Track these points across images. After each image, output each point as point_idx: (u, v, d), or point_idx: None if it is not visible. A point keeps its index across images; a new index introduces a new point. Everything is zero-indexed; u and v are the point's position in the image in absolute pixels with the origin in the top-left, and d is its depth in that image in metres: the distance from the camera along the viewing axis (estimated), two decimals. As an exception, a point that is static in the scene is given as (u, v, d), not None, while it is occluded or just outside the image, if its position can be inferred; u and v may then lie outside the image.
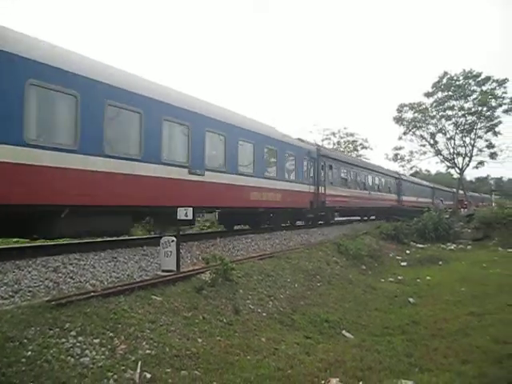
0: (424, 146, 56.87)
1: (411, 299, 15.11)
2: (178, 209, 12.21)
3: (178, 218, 12.20)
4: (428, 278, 19.23)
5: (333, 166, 30.98)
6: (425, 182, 65.15)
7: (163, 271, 11.85)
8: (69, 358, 6.62)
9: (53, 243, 13.51)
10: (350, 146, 67.38)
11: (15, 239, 16.96)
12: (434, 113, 53.64)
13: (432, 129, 54.92)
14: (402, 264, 23.60)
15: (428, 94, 53.64)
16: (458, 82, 50.96)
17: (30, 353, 6.38)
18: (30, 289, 9.13)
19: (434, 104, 53.39)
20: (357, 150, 66.98)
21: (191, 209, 12.10)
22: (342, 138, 67.29)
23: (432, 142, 55.52)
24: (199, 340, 8.55)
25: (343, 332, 11.23)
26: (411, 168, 63.69)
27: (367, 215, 40.91)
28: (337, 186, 31.46)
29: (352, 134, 67.54)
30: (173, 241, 11.91)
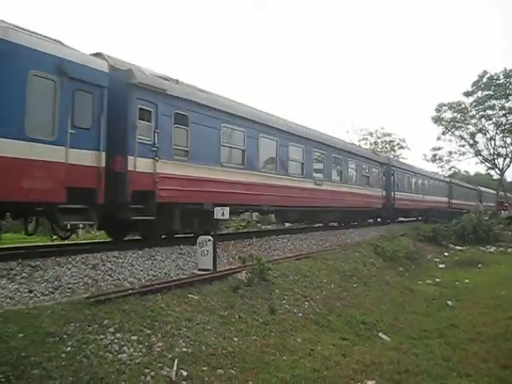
0: (463, 146, 56.11)
1: (449, 302, 14.83)
2: (215, 208, 12.30)
3: (215, 217, 12.26)
4: (467, 280, 18.84)
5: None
6: (471, 186, 64.34)
7: (200, 270, 11.93)
8: (107, 354, 6.71)
9: (91, 241, 13.74)
10: (387, 146, 66.44)
11: (55, 237, 17.35)
12: (474, 112, 52.74)
13: (472, 129, 54.08)
14: (440, 266, 23.20)
15: (467, 94, 52.71)
16: (498, 81, 49.87)
17: (69, 348, 6.49)
18: (70, 285, 9.31)
19: (474, 103, 52.45)
20: (394, 151, 66.01)
21: (228, 208, 12.17)
22: (379, 138, 66.47)
23: (471, 142, 54.65)
24: (235, 339, 8.57)
25: (380, 334, 11.10)
26: (450, 169, 62.84)
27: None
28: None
29: (389, 134, 66.59)
30: (209, 240, 11.97)
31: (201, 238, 12.16)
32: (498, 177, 59.06)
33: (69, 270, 9.95)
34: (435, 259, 24.88)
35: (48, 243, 15.95)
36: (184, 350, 7.53)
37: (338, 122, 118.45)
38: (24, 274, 9.22)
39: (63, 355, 6.27)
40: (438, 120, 55.55)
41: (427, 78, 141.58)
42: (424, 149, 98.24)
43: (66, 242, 13.63)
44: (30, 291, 8.65)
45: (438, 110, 55.43)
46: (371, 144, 64.80)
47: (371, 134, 65.60)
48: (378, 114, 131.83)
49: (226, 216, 12.23)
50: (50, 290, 8.93)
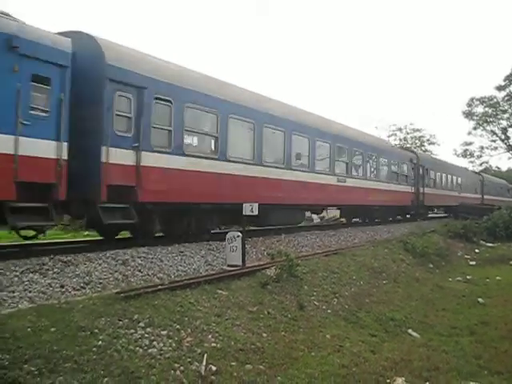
0: (495, 141, 55.20)
1: (480, 299, 14.58)
2: (244, 204, 12.31)
3: (244, 213, 12.28)
4: (498, 278, 18.49)
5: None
6: (504, 182, 62.99)
7: (229, 266, 11.96)
8: (137, 348, 6.78)
9: (121, 237, 13.88)
10: (417, 141, 65.69)
11: (86, 233, 17.61)
12: (506, 107, 51.78)
13: (504, 123, 53.15)
14: (471, 263, 22.81)
15: (500, 88, 51.81)
16: (532, 75, 48.91)
17: (100, 342, 6.57)
18: (101, 281, 9.43)
19: (506, 98, 51.50)
20: (424, 146, 65.22)
21: (257, 204, 12.18)
22: (408, 133, 65.80)
23: (503, 137, 53.67)
24: (264, 335, 8.57)
25: (409, 331, 10.98)
26: (481, 164, 61.90)
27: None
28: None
29: (419, 130, 65.87)
30: (238, 236, 12.00)
31: (230, 234, 12.19)
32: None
33: (99, 265, 10.09)
34: (466, 256, 24.49)
35: (79, 239, 16.21)
36: (213, 345, 7.56)
37: (367, 117, 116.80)
38: (56, 270, 9.38)
39: (94, 349, 6.35)
40: (469, 115, 54.83)
41: (459, 72, 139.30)
42: (455, 144, 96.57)
43: (97, 238, 13.81)
44: (62, 286, 8.79)
45: (469, 105, 54.72)
46: (400, 140, 64.22)
47: (400, 130, 65.01)
48: (408, 110, 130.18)
49: (255, 212, 12.24)
50: (82, 285, 9.06)
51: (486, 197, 49.70)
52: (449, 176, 40.39)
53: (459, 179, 43.08)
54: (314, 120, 21.11)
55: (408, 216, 33.48)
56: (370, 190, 25.47)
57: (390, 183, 28.42)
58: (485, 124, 54.49)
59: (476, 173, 49.49)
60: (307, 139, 19.65)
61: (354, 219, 28.50)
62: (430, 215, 38.88)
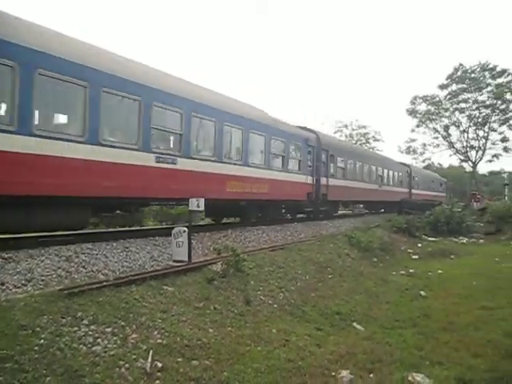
0: (437, 138, 56.85)
1: (422, 292, 15.03)
2: (190, 199, 12.25)
3: (190, 208, 12.25)
4: (439, 271, 19.11)
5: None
6: (436, 175, 61.61)
7: (175, 261, 11.89)
8: (81, 346, 6.68)
9: (66, 233, 13.58)
10: (362, 138, 66.85)
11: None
12: (448, 105, 53.45)
13: (445, 121, 54.84)
14: (414, 257, 23.48)
15: (442, 87, 53.42)
16: (473, 75, 50.51)
17: (42, 341, 6.44)
18: (43, 278, 9.19)
19: (448, 96, 53.19)
20: (369, 143, 66.51)
21: (203, 199, 12.15)
22: (354, 130, 66.92)
23: (445, 134, 55.30)
24: (210, 330, 8.59)
25: (354, 324, 11.22)
26: (423, 161, 63.58)
27: (375, 209, 39.86)
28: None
29: (364, 127, 67.06)
30: (184, 231, 11.94)
31: (176, 229, 12.12)
32: (471, 169, 59.90)
33: (42, 262, 9.82)
34: (409, 250, 25.17)
35: (20, 236, 15.73)
36: (159, 341, 7.53)
37: (314, 112, 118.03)
38: (-4, 266, 9.09)
39: (36, 348, 6.22)
40: (412, 112, 56.22)
41: (403, 70, 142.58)
42: (399, 141, 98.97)
43: (40, 233, 13.46)
44: (2, 284, 8.51)
45: (412, 103, 56.13)
46: (346, 136, 65.31)
47: (346, 126, 66.09)
48: (354, 106, 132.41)
49: (201, 208, 12.22)
50: (23, 282, 8.80)
51: (414, 191, 44.51)
52: (365, 165, 33.23)
53: (379, 170, 36.54)
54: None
55: (302, 215, 26.12)
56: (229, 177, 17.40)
57: (270, 170, 20.16)
58: (427, 122, 55.92)
59: (403, 164, 45.68)
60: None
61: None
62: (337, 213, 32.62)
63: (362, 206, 41.87)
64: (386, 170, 38.33)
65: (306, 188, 23.70)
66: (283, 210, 24.27)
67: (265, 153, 20.06)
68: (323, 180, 25.46)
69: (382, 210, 39.93)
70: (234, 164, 17.76)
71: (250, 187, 18.59)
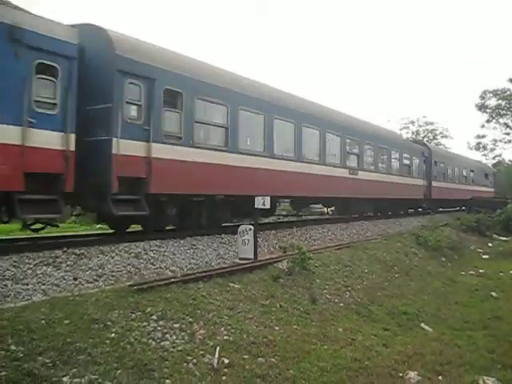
0: (508, 134, 54.64)
1: (493, 293, 14.52)
2: (256, 198, 12.30)
3: (256, 206, 12.28)
4: (511, 271, 18.41)
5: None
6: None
7: (241, 259, 11.97)
8: (150, 341, 6.81)
9: (134, 230, 13.90)
10: (430, 134, 65.19)
11: (98, 225, 17.66)
12: (520, 99, 51.24)
13: (517, 116, 52.55)
14: (484, 257, 22.71)
15: (513, 80, 51.27)
16: (547, 66, 48.37)
17: (113, 335, 6.61)
18: (113, 273, 9.48)
19: (520, 90, 50.99)
20: (436, 139, 64.75)
21: (269, 198, 12.18)
22: (421, 126, 65.31)
23: (517, 129, 53.14)
24: (276, 328, 8.57)
25: (422, 325, 10.96)
26: (494, 157, 61.39)
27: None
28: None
29: (432, 123, 65.33)
30: (250, 229, 11.99)
31: (242, 227, 12.19)
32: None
33: (112, 258, 10.12)
34: (478, 250, 24.37)
35: (92, 232, 16.27)
36: (225, 338, 7.58)
37: (379, 110, 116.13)
38: (69, 262, 9.42)
39: (107, 341, 6.39)
40: (482, 107, 54.36)
41: (472, 64, 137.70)
42: (468, 137, 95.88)
43: (110, 231, 13.84)
44: (75, 279, 8.85)
45: (482, 97, 54.25)
46: (413, 133, 63.81)
47: (413, 123, 64.57)
48: (421, 103, 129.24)
49: (267, 205, 12.24)
50: (95, 277, 9.12)
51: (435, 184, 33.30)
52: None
53: (472, 173, 40.70)
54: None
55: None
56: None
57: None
58: (498, 117, 54.03)
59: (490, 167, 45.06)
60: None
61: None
62: None
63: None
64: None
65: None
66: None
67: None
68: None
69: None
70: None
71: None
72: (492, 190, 39.75)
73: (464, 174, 39.64)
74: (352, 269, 13.66)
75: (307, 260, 11.85)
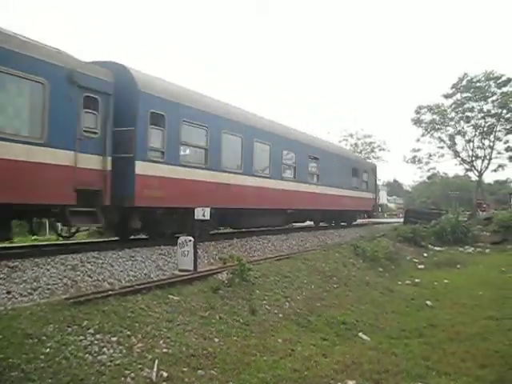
0: (442, 148, 56.36)
1: (429, 302, 14.93)
2: (196, 209, 12.29)
3: (196, 217, 12.26)
4: (446, 281, 18.99)
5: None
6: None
7: (180, 271, 11.90)
8: (87, 355, 6.67)
9: (71, 242, 13.61)
10: (368, 147, 66.79)
11: (34, 237, 17.17)
12: (453, 115, 53.01)
13: (451, 131, 54.32)
14: (420, 267, 23.33)
15: (447, 96, 53.03)
16: (478, 84, 50.32)
17: (48, 350, 6.45)
18: (49, 286, 9.22)
19: (453, 106, 52.74)
20: (374, 152, 66.40)
21: (208, 209, 12.19)
22: (359, 139, 66.79)
23: (450, 144, 54.97)
24: (216, 340, 8.56)
25: (360, 334, 11.14)
26: (429, 170, 63.29)
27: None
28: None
29: (370, 136, 67.00)
30: (190, 240, 11.95)
31: (181, 239, 12.13)
32: (477, 178, 59.52)
33: (48, 270, 9.85)
34: (414, 260, 25.03)
35: (26, 244, 15.80)
36: (164, 350, 7.51)
37: (320, 122, 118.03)
38: (2, 275, 9.10)
39: (42, 357, 6.23)
40: (417, 122, 55.84)
41: (408, 79, 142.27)
42: (405, 151, 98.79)
43: (45, 242, 13.52)
44: (9, 292, 8.56)
45: (417, 112, 55.71)
46: (351, 145, 65.22)
47: (351, 136, 66.01)
48: (359, 116, 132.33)
49: (207, 217, 12.23)
50: (29, 291, 8.84)
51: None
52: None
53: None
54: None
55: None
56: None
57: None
58: (432, 131, 55.62)
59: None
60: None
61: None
62: None
63: None
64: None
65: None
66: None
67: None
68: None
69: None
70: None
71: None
72: (371, 196, 34.69)
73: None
74: (291, 279, 13.78)
75: (247, 271, 11.90)
